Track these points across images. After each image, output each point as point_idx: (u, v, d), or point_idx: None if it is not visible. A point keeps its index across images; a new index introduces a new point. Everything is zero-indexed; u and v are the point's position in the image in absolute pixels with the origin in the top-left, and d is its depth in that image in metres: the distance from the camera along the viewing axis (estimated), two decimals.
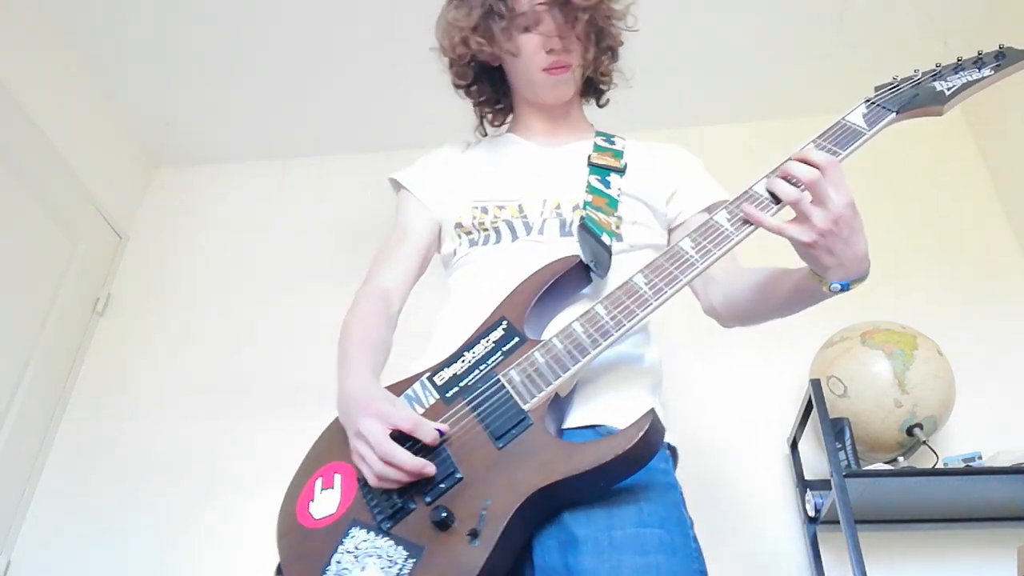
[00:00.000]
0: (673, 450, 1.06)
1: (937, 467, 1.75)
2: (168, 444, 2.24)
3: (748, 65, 2.43)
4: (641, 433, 0.84)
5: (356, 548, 0.88)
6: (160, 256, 2.66)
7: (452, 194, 1.25)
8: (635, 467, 0.86)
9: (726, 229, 0.93)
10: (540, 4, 1.16)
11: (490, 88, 1.35)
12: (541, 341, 0.96)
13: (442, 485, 0.88)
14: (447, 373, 0.99)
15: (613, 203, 1.16)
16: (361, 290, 1.19)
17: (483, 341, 1.00)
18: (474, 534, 0.83)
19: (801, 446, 1.95)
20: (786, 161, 0.92)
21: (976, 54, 1.04)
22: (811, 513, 1.80)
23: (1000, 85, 1.04)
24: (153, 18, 2.34)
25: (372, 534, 0.88)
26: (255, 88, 2.55)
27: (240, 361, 2.37)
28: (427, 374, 1.01)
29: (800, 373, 1.98)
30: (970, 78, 1.02)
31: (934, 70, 1.05)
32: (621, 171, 1.21)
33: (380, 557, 0.85)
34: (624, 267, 1.03)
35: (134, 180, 2.79)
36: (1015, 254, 2.22)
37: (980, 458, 1.72)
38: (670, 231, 1.24)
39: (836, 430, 1.70)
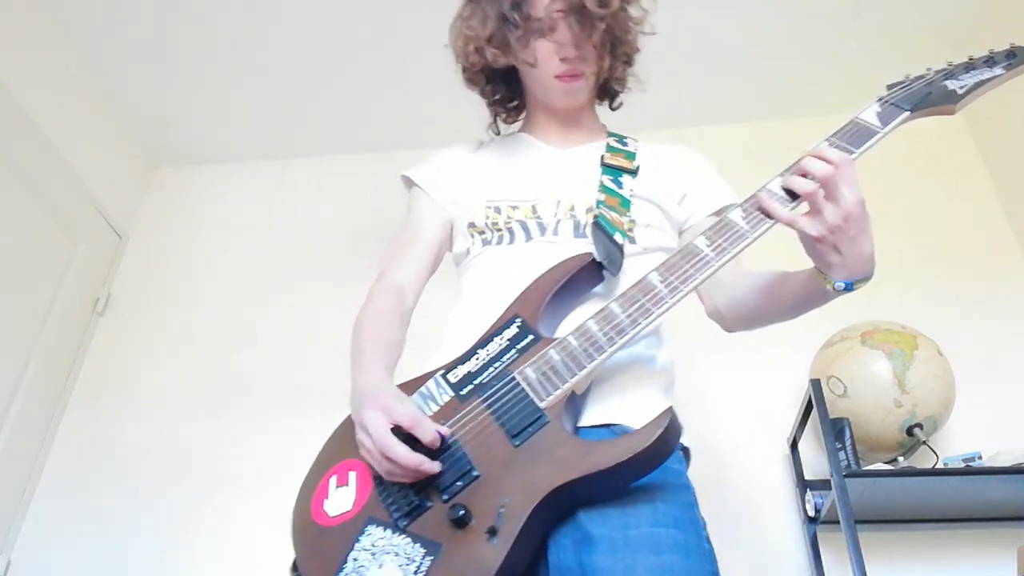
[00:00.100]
0: (686, 451, 1.07)
1: (937, 467, 1.75)
2: (168, 444, 2.24)
3: (747, 65, 2.43)
4: (659, 431, 0.84)
5: (373, 545, 0.87)
6: (160, 256, 2.66)
7: (465, 193, 1.24)
8: (652, 466, 0.86)
9: (741, 227, 0.94)
10: (557, 12, 1.15)
11: (504, 87, 1.34)
12: (556, 339, 0.96)
13: (459, 483, 0.88)
14: (461, 371, 0.99)
15: (626, 203, 1.16)
16: (374, 287, 1.18)
17: (497, 339, 1.00)
18: (492, 532, 0.83)
19: (801, 446, 1.95)
20: (802, 158, 0.92)
21: (988, 53, 1.04)
22: (811, 513, 1.80)
23: (1000, 85, 1.04)
24: (153, 18, 2.34)
25: (389, 532, 0.88)
26: (255, 88, 2.55)
27: (240, 361, 2.37)
28: (441, 371, 1.00)
29: (800, 373, 1.98)
30: (982, 77, 1.02)
31: (946, 69, 1.06)
32: (634, 172, 1.21)
33: (398, 555, 0.85)
34: (637, 270, 1.03)
35: (134, 180, 2.79)
36: (1015, 254, 2.23)
37: (980, 458, 1.72)
38: (680, 233, 1.24)
39: (836, 430, 1.70)
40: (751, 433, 2.02)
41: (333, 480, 0.96)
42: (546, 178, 1.21)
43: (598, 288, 1.08)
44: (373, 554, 0.87)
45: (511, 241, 1.15)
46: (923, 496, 1.71)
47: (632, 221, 1.15)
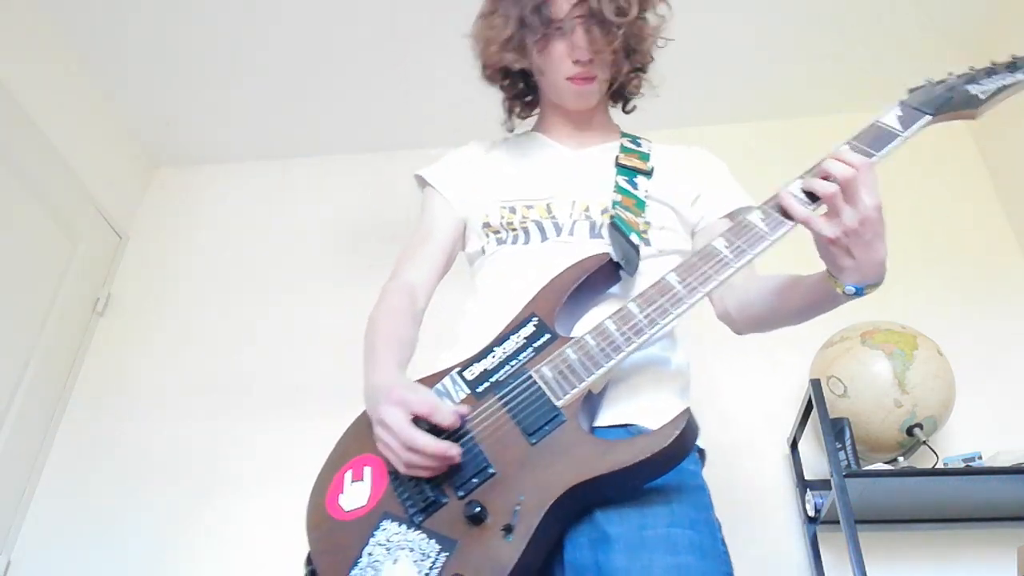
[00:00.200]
0: (702, 452, 1.07)
1: (937, 467, 1.75)
2: (168, 444, 2.24)
3: (748, 65, 2.43)
4: (677, 432, 0.85)
5: (388, 540, 0.87)
6: (160, 256, 2.66)
7: (478, 192, 1.24)
8: (669, 466, 0.86)
9: (760, 229, 0.93)
10: (577, 17, 1.15)
11: (522, 83, 1.33)
12: (573, 338, 0.96)
13: (474, 480, 0.88)
14: (477, 368, 0.99)
15: (641, 205, 1.16)
16: (387, 286, 1.18)
17: (513, 337, 1.00)
18: (508, 529, 0.83)
19: (801, 446, 1.95)
20: (822, 160, 0.92)
21: (1010, 58, 1.04)
22: (811, 513, 1.80)
23: (1022, 91, 1.03)
24: (153, 18, 2.34)
25: (404, 527, 0.88)
26: (255, 88, 2.55)
27: (240, 361, 2.37)
28: (457, 368, 1.00)
29: (800, 373, 1.98)
30: (1004, 82, 1.01)
31: (967, 73, 1.05)
32: (648, 174, 1.21)
33: (412, 550, 0.85)
34: (652, 272, 1.03)
35: (134, 180, 2.79)
36: (1015, 254, 2.23)
37: (980, 458, 1.73)
38: (693, 235, 1.24)
39: (836, 430, 1.70)
40: (751, 433, 2.03)
41: (348, 475, 0.96)
42: (560, 178, 1.21)
43: (614, 289, 1.08)
44: (388, 549, 0.87)
45: (526, 241, 1.15)
46: (923, 496, 1.71)
47: (647, 223, 1.15)
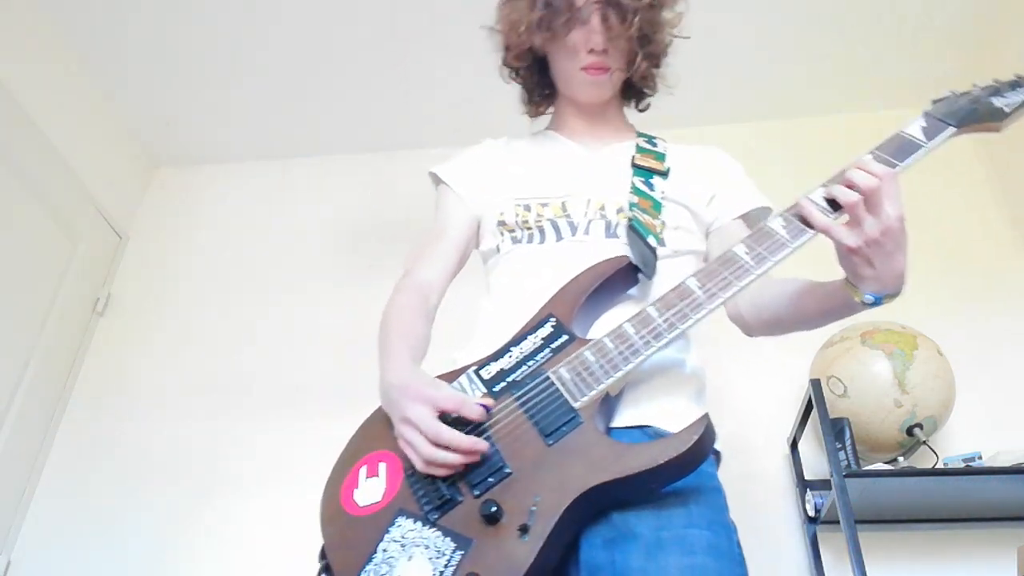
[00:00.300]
0: (717, 454, 1.07)
1: (937, 467, 1.75)
2: (168, 444, 2.24)
3: (748, 65, 2.43)
4: (696, 437, 0.85)
5: (403, 537, 0.87)
6: (160, 256, 2.66)
7: (493, 190, 1.24)
8: (686, 471, 0.87)
9: (782, 236, 0.93)
10: (594, 3, 1.15)
11: (538, 74, 1.33)
12: (591, 340, 0.96)
13: (491, 479, 0.88)
14: (494, 368, 0.99)
15: (657, 206, 1.16)
16: (399, 283, 1.18)
17: (531, 337, 1.00)
18: (524, 529, 0.83)
19: (801, 446, 1.95)
20: (846, 168, 0.92)
21: None
22: (811, 513, 1.80)
23: None
24: (153, 18, 2.34)
25: (419, 524, 0.88)
26: (255, 88, 2.56)
27: (240, 361, 2.37)
28: (473, 367, 1.00)
29: (800, 373, 1.98)
30: None
31: (992, 85, 1.05)
32: (664, 174, 1.21)
33: (427, 548, 0.86)
34: (668, 273, 1.03)
35: (134, 180, 2.79)
36: (1015, 254, 2.23)
37: (980, 458, 1.73)
38: (707, 235, 1.24)
39: (836, 430, 1.70)
40: (751, 433, 2.03)
41: (363, 471, 0.96)
42: (575, 176, 1.21)
43: (631, 291, 1.08)
44: (403, 546, 0.87)
45: (541, 240, 1.15)
46: (923, 496, 1.71)
47: (663, 224, 1.15)
